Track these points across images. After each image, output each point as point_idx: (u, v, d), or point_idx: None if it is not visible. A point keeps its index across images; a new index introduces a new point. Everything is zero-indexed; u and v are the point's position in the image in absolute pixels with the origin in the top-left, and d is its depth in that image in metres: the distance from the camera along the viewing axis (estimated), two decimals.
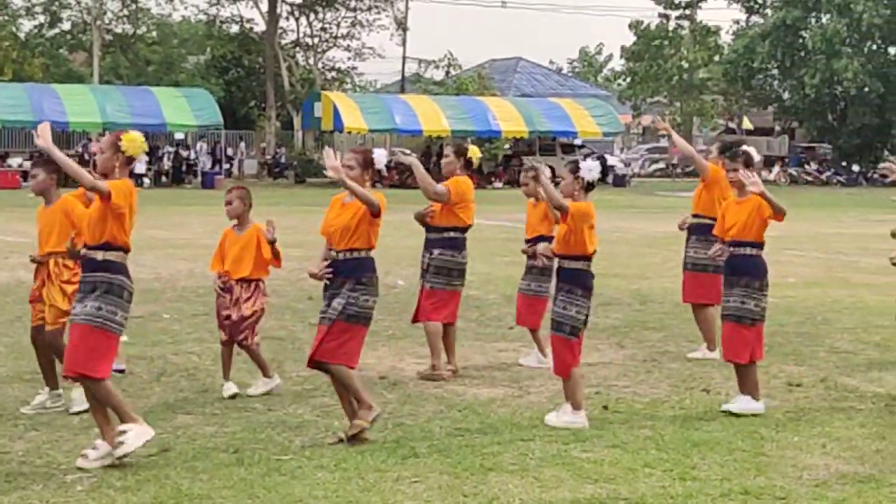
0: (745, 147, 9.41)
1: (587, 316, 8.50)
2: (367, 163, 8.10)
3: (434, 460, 7.43)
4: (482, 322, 13.28)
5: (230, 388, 9.32)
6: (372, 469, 7.21)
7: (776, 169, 58.37)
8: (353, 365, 8.02)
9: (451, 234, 10.18)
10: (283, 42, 60.41)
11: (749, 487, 6.90)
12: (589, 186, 8.56)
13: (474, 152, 10.33)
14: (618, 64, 75.14)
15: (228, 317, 9.37)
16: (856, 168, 57.89)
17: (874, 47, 59.57)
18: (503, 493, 6.75)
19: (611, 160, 56.10)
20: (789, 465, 7.42)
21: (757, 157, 9.26)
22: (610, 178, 52.45)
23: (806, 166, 58.95)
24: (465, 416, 8.75)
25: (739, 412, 8.77)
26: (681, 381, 10.17)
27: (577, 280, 8.45)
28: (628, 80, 66.85)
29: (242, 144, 55.55)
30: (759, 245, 9.02)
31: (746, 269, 8.96)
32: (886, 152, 60.06)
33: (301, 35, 61.53)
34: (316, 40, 61.86)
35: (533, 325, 10.74)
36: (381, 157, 8.15)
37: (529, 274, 10.81)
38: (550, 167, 8.77)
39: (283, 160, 52.99)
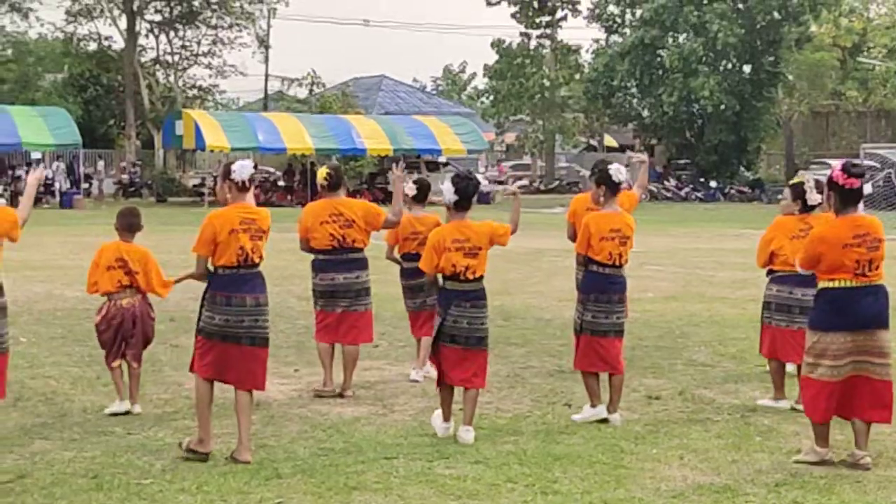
0: (604, 167, 9.57)
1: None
2: (225, 174, 8.06)
3: (298, 481, 7.40)
4: None
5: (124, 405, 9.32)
6: (234, 491, 7.16)
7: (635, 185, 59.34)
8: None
9: (315, 256, 10.34)
10: (143, 60, 59.58)
11: (609, 500, 7.02)
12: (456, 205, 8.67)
13: (321, 173, 10.40)
14: (481, 82, 75.84)
15: (134, 335, 9.35)
16: (713, 184, 59.13)
17: (729, 66, 60.95)
18: None
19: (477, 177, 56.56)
20: (648, 477, 7.57)
21: (620, 177, 9.42)
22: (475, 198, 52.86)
23: (665, 182, 60.06)
24: (330, 435, 8.73)
25: (584, 419, 9.13)
26: (543, 396, 10.29)
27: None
28: (491, 98, 67.37)
29: (101, 164, 54.60)
30: (588, 261, 9.31)
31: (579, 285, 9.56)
32: (742, 168, 61.52)
33: (161, 53, 60.77)
34: (176, 58, 61.14)
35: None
36: (242, 168, 8.08)
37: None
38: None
39: (137, 179, 52.24)
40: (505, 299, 17.06)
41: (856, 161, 8.32)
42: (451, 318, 8.63)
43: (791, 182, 10.08)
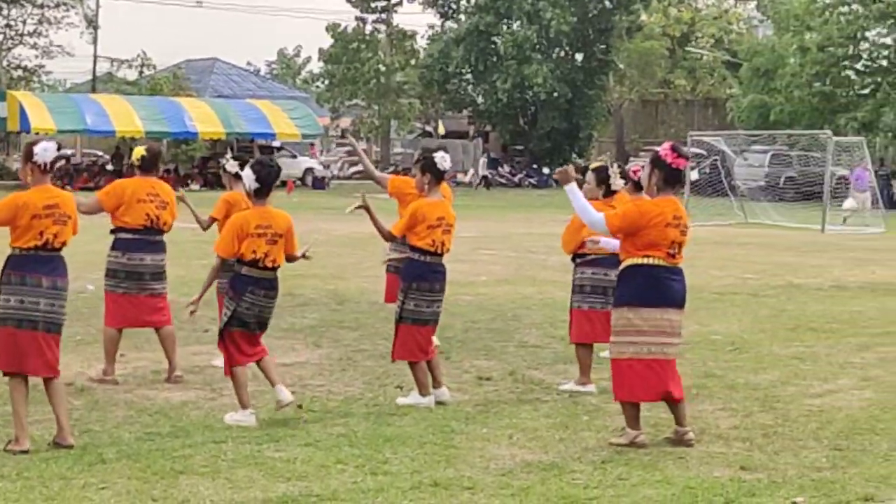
0: (430, 154, 9.53)
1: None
2: (27, 156, 7.81)
3: (122, 465, 7.24)
4: (176, 326, 13.00)
5: None
6: (57, 477, 6.97)
7: (471, 171, 59.88)
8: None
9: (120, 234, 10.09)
10: None
11: (438, 479, 7.04)
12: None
13: (136, 152, 10.20)
14: (316, 66, 75.39)
15: None
16: (546, 171, 59.93)
17: (562, 54, 61.86)
18: (194, 496, 6.65)
19: (310, 162, 56.32)
20: (477, 457, 7.62)
21: (445, 165, 9.38)
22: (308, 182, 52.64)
23: (500, 168, 60.62)
24: (157, 420, 8.58)
25: (410, 404, 9.09)
26: (375, 378, 10.28)
27: None
28: (326, 82, 67.07)
29: None
30: (411, 248, 9.30)
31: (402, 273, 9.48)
32: (574, 155, 62.48)
33: None
34: (0, 37, 59.32)
35: None
36: (44, 150, 7.80)
37: None
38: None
39: None
40: (339, 283, 17.03)
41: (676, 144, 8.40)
42: (245, 304, 8.53)
43: (593, 166, 10.08)
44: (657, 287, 7.96)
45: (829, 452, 7.86)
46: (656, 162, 8.03)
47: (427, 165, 9.33)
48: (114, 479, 6.96)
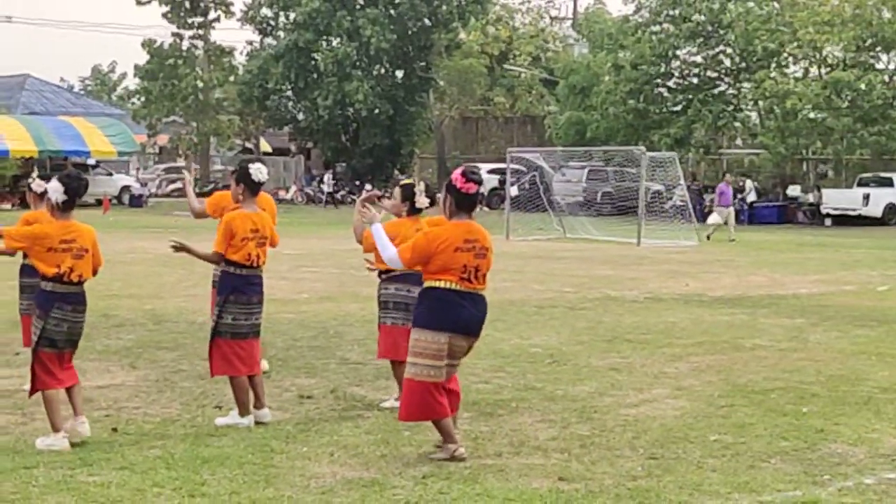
0: (245, 165, 9.43)
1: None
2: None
3: None
4: None
5: None
6: None
7: (293, 188, 59.59)
8: None
9: None
10: None
11: (257, 499, 6.94)
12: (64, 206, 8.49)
13: None
14: (132, 82, 74.09)
15: None
16: (369, 187, 59.97)
17: (383, 71, 62.06)
18: None
19: (127, 180, 55.27)
20: (298, 475, 7.54)
21: (260, 177, 9.29)
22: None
23: (321, 185, 60.49)
24: None
25: (229, 424, 9.00)
26: (193, 399, 10.10)
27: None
28: (143, 99, 65.91)
29: None
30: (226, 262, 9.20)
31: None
32: (396, 171, 62.67)
33: None
34: None
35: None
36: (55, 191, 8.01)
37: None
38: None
39: None
40: (157, 303, 16.71)
41: (475, 167, 8.43)
42: (53, 321, 8.38)
43: (402, 182, 10.08)
44: (445, 312, 7.93)
45: (645, 461, 8.02)
46: (448, 187, 8.07)
47: (241, 176, 9.25)
48: None
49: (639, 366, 11.97)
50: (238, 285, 9.07)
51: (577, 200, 41.69)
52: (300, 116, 63.85)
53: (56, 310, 8.37)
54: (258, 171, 9.21)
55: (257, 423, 9.06)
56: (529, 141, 62.06)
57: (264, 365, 10.63)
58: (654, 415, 9.57)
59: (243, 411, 9.08)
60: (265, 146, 70.75)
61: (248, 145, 71.06)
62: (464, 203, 8.07)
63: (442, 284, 7.93)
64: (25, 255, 10.08)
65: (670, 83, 51.60)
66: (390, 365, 10.00)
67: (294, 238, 30.73)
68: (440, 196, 8.25)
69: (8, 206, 47.68)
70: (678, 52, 50.68)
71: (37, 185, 10.10)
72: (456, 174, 8.07)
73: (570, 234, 35.17)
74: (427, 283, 8.03)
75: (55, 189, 8.43)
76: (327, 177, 58.37)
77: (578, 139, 51.27)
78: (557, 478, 7.53)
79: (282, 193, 57.77)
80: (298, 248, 27.69)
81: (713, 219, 36.17)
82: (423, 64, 62.02)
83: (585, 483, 7.42)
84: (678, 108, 50.59)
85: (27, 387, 9.76)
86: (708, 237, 34.04)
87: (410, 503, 6.94)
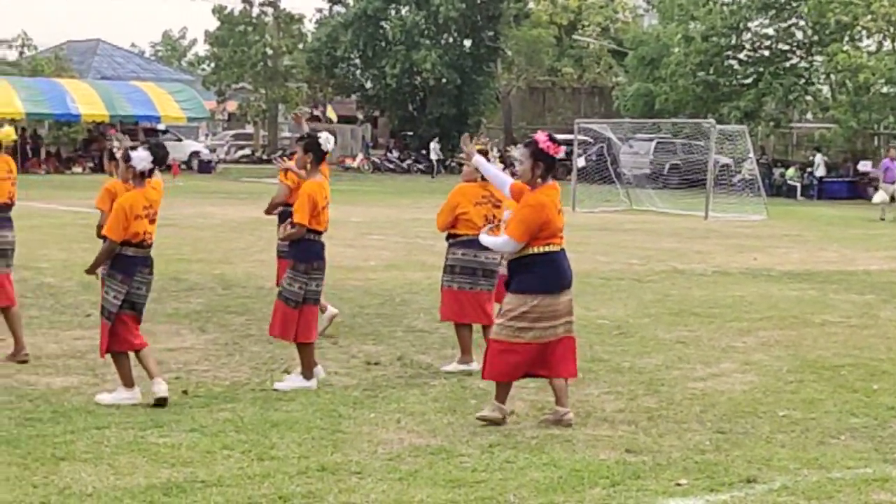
0: (314, 135, 9.52)
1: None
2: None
3: (1, 451, 7.08)
4: (57, 309, 12.79)
5: None
6: None
7: (360, 156, 59.72)
8: None
9: None
10: None
11: (326, 464, 7.00)
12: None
13: (7, 134, 10.08)
14: (202, 49, 74.57)
15: None
16: (435, 156, 60.00)
17: (451, 40, 61.93)
18: (75, 482, 6.52)
19: (196, 145, 55.68)
20: (365, 441, 7.58)
21: (328, 147, 9.38)
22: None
23: (388, 154, 60.58)
24: (37, 405, 8.39)
25: (285, 389, 9.05)
26: (262, 363, 10.18)
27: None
28: (213, 65, 66.32)
29: None
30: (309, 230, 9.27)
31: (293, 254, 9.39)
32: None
33: None
34: None
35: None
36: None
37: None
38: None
39: None
40: (225, 268, 16.85)
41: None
42: (136, 284, 8.56)
43: (478, 149, 10.10)
44: (559, 274, 8.17)
45: (713, 435, 7.97)
46: (537, 153, 8.11)
47: (310, 145, 9.31)
48: None
49: (706, 339, 11.89)
50: (320, 253, 9.22)
51: (644, 173, 41.37)
52: (368, 85, 63.89)
53: (138, 274, 8.54)
54: (327, 140, 9.28)
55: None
56: (597, 112, 61.75)
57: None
58: (722, 389, 9.51)
59: (309, 374, 9.20)
60: (332, 114, 70.99)
61: (316, 113, 71.32)
62: (553, 166, 8.22)
63: (552, 248, 8.12)
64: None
65: (741, 55, 51.03)
66: (455, 329, 10.14)
67: (360, 206, 30.86)
68: (520, 162, 8.22)
69: (80, 169, 48.26)
70: (750, 24, 50.06)
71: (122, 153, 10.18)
72: (544, 140, 8.13)
73: (636, 206, 34.97)
74: (535, 250, 8.09)
75: (143, 158, 8.56)
76: (434, 144, 57.70)
77: (647, 111, 50.89)
78: (625, 450, 7.52)
79: (348, 161, 57.91)
80: (364, 216, 27.80)
81: (879, 197, 33.51)
82: (491, 33, 61.79)
83: (653, 455, 7.39)
84: (748, 80, 50.03)
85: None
86: (882, 219, 31.77)
87: (477, 471, 6.96)
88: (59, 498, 6.27)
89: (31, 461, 6.91)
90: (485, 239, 8.47)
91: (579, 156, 37.38)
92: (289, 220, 9.43)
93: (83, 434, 7.55)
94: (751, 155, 37.11)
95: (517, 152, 8.39)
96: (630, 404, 8.87)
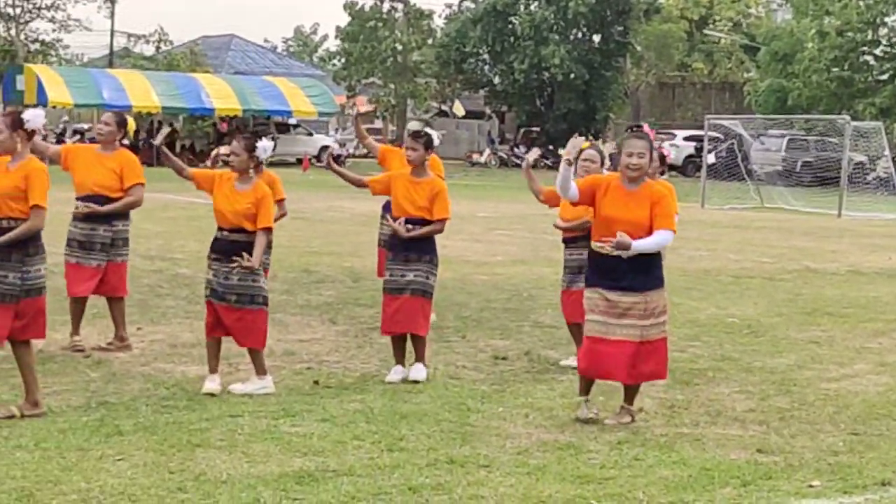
0: (427, 130, 9.67)
1: None
2: (16, 124, 7.80)
3: (139, 437, 7.26)
4: (192, 300, 13.06)
5: None
6: (74, 448, 6.99)
7: (487, 151, 59.79)
8: None
9: None
10: None
11: (455, 457, 7.04)
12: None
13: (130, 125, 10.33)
14: (333, 44, 75.36)
15: None
16: (562, 152, 59.77)
17: (580, 35, 61.66)
18: (210, 469, 6.66)
19: (326, 140, 56.27)
20: (493, 435, 7.61)
21: (437, 142, 9.52)
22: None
23: (515, 149, 60.55)
24: (174, 393, 8.59)
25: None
26: (391, 355, 10.21)
27: None
28: (343, 60, 66.95)
29: None
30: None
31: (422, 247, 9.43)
32: (591, 136, 62.35)
33: (2, 5, 58.87)
34: (18, 10, 59.34)
35: None
36: (35, 117, 7.83)
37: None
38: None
39: None
40: (355, 261, 17.02)
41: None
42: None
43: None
44: None
45: (846, 437, 7.84)
46: (652, 147, 8.12)
47: (430, 143, 9.46)
48: (131, 451, 6.98)
49: (840, 340, 11.68)
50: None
51: (775, 170, 40.73)
52: (496, 80, 63.92)
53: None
54: (264, 150, 9.27)
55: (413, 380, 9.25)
56: (727, 108, 60.97)
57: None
58: (856, 390, 9.34)
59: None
60: (459, 109, 71.17)
61: (444, 108, 71.57)
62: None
63: None
64: None
65: (877, 51, 49.96)
66: (569, 329, 10.09)
67: (487, 201, 30.94)
68: (641, 155, 8.12)
69: (210, 162, 49.12)
70: (886, 20, 49.00)
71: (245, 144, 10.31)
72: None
73: (767, 203, 34.45)
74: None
75: (268, 148, 8.76)
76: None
77: (779, 107, 50.09)
78: (756, 450, 7.43)
79: (475, 157, 58.02)
80: (491, 211, 27.85)
81: None
82: (620, 28, 61.35)
83: (785, 456, 7.30)
84: (885, 76, 48.97)
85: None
86: None
87: (606, 467, 6.94)
88: (194, 484, 6.41)
89: (168, 447, 7.07)
90: (643, 244, 7.82)
91: (709, 152, 36.94)
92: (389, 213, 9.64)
93: (218, 422, 7.70)
94: (886, 153, 36.30)
95: (632, 145, 8.08)
96: (761, 404, 8.76)
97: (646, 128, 8.31)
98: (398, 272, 9.32)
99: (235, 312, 8.64)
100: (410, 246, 9.32)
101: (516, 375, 9.62)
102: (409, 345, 9.44)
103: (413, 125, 9.82)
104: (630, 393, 8.11)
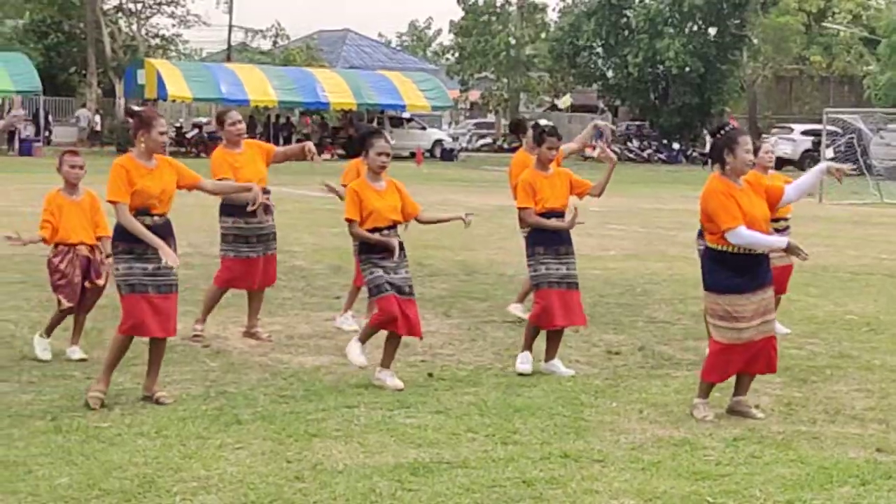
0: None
1: None
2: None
3: (258, 427, 7.39)
4: (308, 292, 13.23)
5: (75, 352, 9.34)
6: (194, 436, 7.14)
7: (600, 145, 59.38)
8: None
9: None
10: (105, 7, 58.86)
11: (568, 451, 7.04)
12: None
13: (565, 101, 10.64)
14: (446, 38, 75.53)
15: (91, 283, 9.27)
16: (676, 146, 59.27)
17: (695, 28, 61.00)
18: (327, 459, 6.75)
19: (439, 134, 56.46)
20: (607, 430, 7.60)
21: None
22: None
23: (629, 143, 60.16)
24: (290, 383, 8.72)
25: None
26: (504, 349, 10.30)
27: None
28: (456, 54, 67.14)
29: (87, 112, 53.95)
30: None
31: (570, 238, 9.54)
32: (705, 131, 61.66)
33: (124, 0, 60.09)
34: (139, 6, 60.52)
35: None
36: None
37: None
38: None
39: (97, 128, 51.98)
40: (468, 254, 17.08)
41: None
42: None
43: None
44: None
45: None
46: None
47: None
48: (249, 439, 7.10)
49: None
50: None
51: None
52: (609, 74, 63.55)
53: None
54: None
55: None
56: (846, 102, 59.82)
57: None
58: None
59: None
60: (565, 102, 70.76)
61: (556, 102, 71.36)
62: None
63: None
64: None
65: None
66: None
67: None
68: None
69: (328, 155, 49.57)
70: None
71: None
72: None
73: (887, 199, 33.74)
74: None
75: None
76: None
77: None
78: (875, 449, 7.31)
79: (588, 151, 57.74)
80: (604, 205, 27.61)
81: None
82: (737, 21, 60.56)
83: None
84: None
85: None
86: None
87: (721, 464, 6.88)
88: (311, 473, 6.50)
89: (285, 437, 7.18)
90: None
91: (827, 146, 36.30)
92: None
93: (334, 412, 7.80)
94: None
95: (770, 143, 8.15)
96: (881, 402, 8.61)
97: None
98: (553, 265, 9.34)
99: (413, 304, 8.74)
100: (566, 238, 9.39)
101: (630, 371, 9.58)
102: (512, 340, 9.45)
103: (544, 122, 9.77)
104: (747, 385, 8.09)
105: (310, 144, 10.23)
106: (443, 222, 9.54)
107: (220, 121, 10.41)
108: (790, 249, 7.84)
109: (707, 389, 8.06)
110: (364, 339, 8.91)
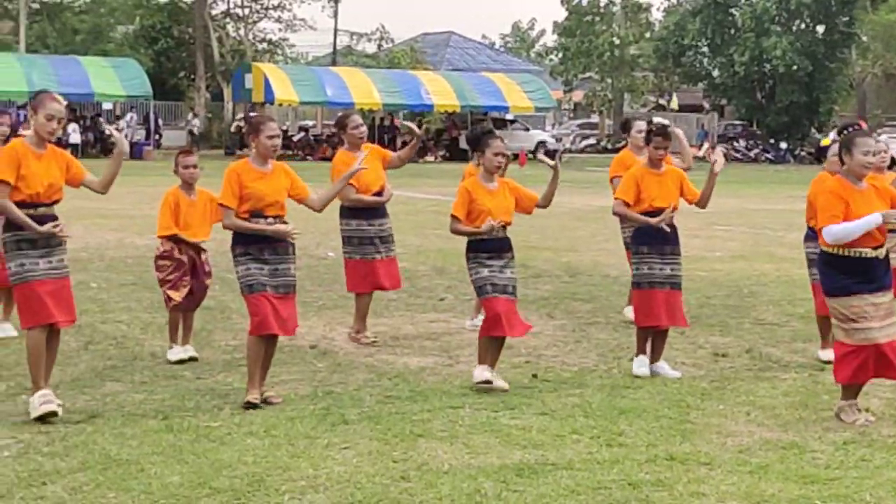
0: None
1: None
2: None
3: (364, 427, 7.46)
4: (413, 293, 13.30)
5: (188, 350, 9.48)
6: (302, 436, 7.23)
7: (706, 145, 58.84)
8: None
9: None
10: (214, 12, 59.82)
11: (674, 453, 6.99)
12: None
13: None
14: (550, 39, 75.44)
15: (199, 281, 9.44)
16: (783, 145, 58.48)
17: (802, 26, 60.19)
18: (432, 459, 6.80)
19: (542, 135, 56.37)
20: (714, 432, 7.53)
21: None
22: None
23: (735, 143, 59.48)
24: (396, 384, 8.78)
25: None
26: (608, 350, 10.27)
27: None
28: (560, 55, 66.96)
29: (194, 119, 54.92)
30: None
31: (678, 238, 9.49)
32: (814, 130, 60.76)
33: (231, 5, 61.04)
34: (247, 11, 61.37)
35: None
36: None
37: None
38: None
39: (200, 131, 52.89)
40: (572, 256, 17.04)
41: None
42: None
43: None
44: None
45: None
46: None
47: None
48: (356, 439, 7.17)
49: None
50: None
51: None
52: (715, 73, 62.91)
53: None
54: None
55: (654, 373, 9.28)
56: None
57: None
58: None
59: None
60: (677, 103, 70.28)
61: (662, 102, 70.81)
62: None
63: None
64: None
65: None
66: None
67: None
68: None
69: (432, 158, 49.77)
70: None
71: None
72: None
73: None
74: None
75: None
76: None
77: None
78: None
79: (694, 151, 57.20)
80: (710, 205, 27.33)
81: None
82: (846, 19, 59.58)
83: None
84: None
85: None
86: None
87: (831, 468, 6.79)
88: (417, 473, 6.55)
89: (391, 437, 7.24)
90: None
91: None
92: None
93: (439, 413, 7.84)
94: None
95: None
96: None
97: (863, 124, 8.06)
98: (657, 265, 9.29)
99: (514, 304, 8.73)
100: (673, 238, 9.35)
101: (737, 373, 9.48)
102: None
103: (657, 119, 9.71)
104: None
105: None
106: (552, 189, 9.27)
107: (343, 125, 10.45)
108: (888, 217, 7.56)
109: (847, 393, 7.93)
110: (482, 359, 8.67)
